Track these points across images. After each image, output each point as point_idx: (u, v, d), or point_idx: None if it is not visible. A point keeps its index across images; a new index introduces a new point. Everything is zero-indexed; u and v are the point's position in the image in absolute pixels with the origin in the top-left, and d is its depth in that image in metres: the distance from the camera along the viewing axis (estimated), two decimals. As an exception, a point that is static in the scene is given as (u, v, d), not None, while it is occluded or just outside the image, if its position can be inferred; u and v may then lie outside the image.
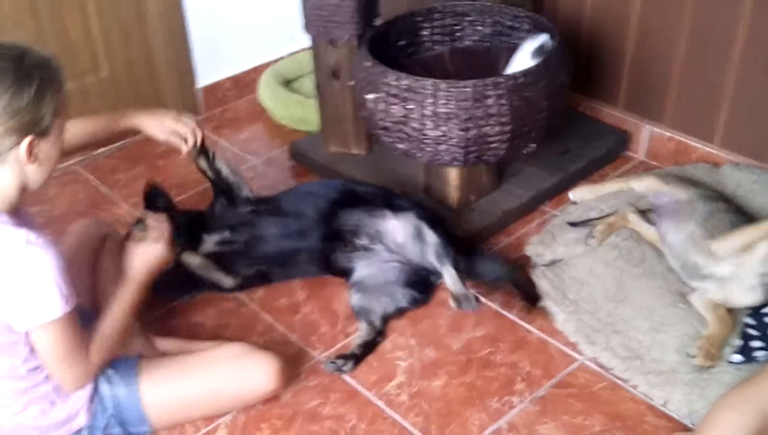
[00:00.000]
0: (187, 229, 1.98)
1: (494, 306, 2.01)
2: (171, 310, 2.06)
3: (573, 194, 2.29)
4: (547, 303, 1.97)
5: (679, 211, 1.98)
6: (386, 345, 1.92)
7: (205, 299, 2.08)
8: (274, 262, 2.07)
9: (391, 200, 2.07)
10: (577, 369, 1.83)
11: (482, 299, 2.02)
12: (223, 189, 2.07)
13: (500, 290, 2.02)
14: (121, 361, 1.65)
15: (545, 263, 2.07)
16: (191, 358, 1.72)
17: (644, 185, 2.16)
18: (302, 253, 2.06)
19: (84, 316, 1.61)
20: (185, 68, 2.79)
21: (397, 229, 2.02)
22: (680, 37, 2.27)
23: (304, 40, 2.44)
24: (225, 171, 2.06)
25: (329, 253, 2.05)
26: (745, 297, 1.79)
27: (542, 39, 2.08)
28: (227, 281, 2.05)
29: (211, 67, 2.85)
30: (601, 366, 1.81)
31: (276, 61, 2.94)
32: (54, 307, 1.45)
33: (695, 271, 1.87)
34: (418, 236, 2.00)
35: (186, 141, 1.95)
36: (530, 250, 2.13)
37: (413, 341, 1.93)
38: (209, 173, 2.05)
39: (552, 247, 2.11)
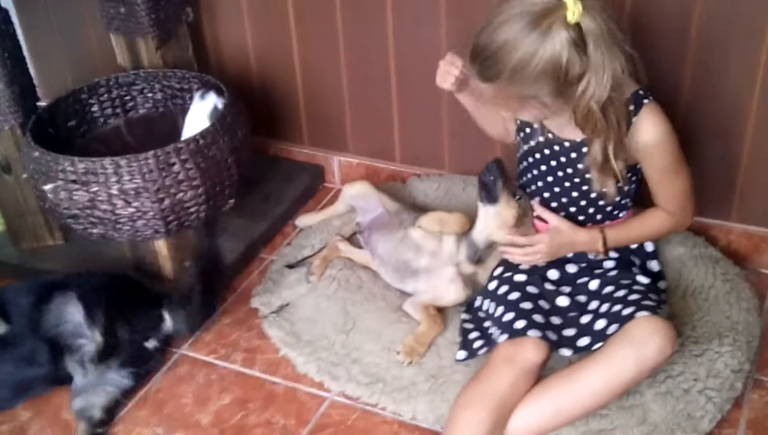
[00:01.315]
0: None
1: (235, 367, 1.88)
2: None
3: (299, 221, 2.29)
4: (285, 350, 1.88)
5: (388, 223, 2.01)
6: (131, 442, 1.72)
7: None
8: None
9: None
10: (328, 407, 1.76)
11: (222, 363, 1.88)
12: None
13: (240, 348, 1.92)
14: None
15: (274, 311, 1.99)
16: None
17: (356, 189, 2.15)
18: (33, 380, 1.80)
19: None
20: None
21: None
22: (341, 70, 2.31)
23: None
24: None
25: (59, 366, 1.79)
26: (449, 291, 1.85)
27: (212, 99, 2.00)
28: None
29: None
30: (349, 398, 1.77)
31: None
32: None
33: (406, 269, 1.90)
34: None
35: None
36: (256, 301, 2.03)
37: (160, 430, 1.74)
38: None
39: (276, 292, 2.02)
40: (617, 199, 1.67)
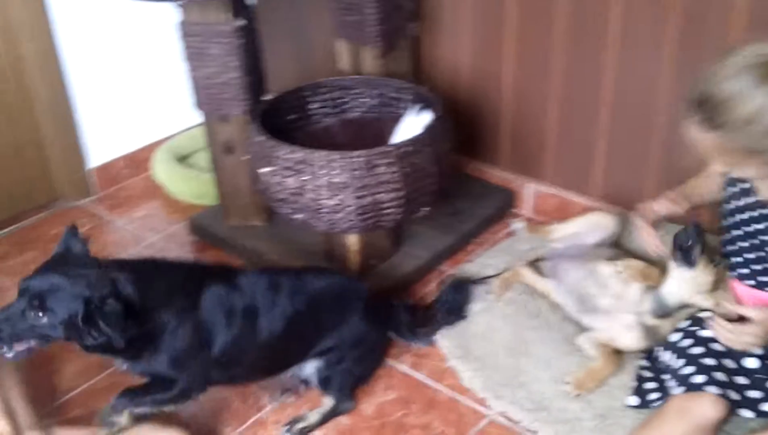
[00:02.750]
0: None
1: (403, 368, 1.93)
2: (72, 399, 1.89)
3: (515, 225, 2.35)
4: (453, 361, 1.91)
5: (584, 254, 1.98)
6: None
7: (107, 384, 1.91)
8: None
9: None
10: (487, 425, 1.77)
11: (391, 361, 1.95)
12: None
13: (410, 352, 1.97)
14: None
15: (447, 322, 2.02)
16: None
17: (602, 219, 2.12)
18: None
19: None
20: (75, 149, 2.63)
21: None
22: (550, 98, 2.32)
23: (196, 116, 2.35)
24: None
25: None
26: (627, 336, 1.80)
27: (427, 115, 2.07)
28: None
29: (103, 146, 2.70)
30: (510, 419, 1.77)
31: (169, 137, 2.83)
32: None
33: (589, 302, 1.87)
34: None
35: None
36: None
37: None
38: None
39: (452, 305, 2.06)
40: None
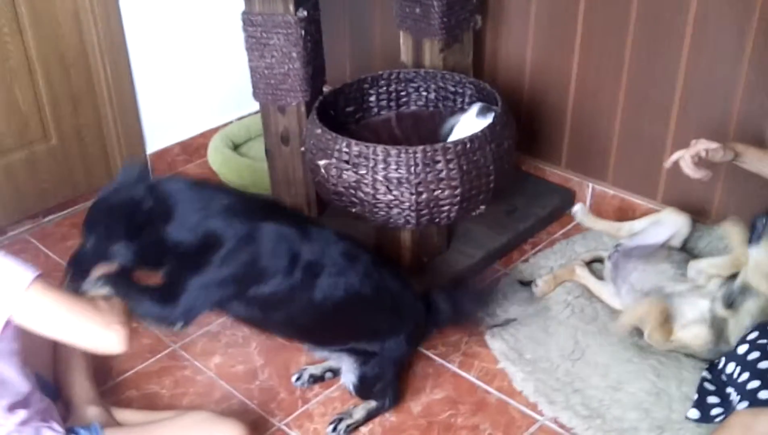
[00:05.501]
0: None
1: (452, 367, 1.91)
2: (126, 380, 1.91)
3: (578, 210, 2.27)
4: (505, 363, 1.88)
5: (655, 254, 1.95)
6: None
7: (159, 368, 1.94)
8: None
9: None
10: (538, 430, 1.74)
11: (439, 360, 1.92)
12: None
13: (460, 351, 1.94)
14: (83, 431, 1.53)
15: (499, 323, 1.99)
16: (155, 427, 1.61)
17: (679, 218, 2.07)
18: None
19: (47, 386, 1.51)
20: (134, 134, 2.67)
21: None
22: (618, 98, 2.26)
23: (251, 105, 2.35)
24: None
25: None
26: (692, 312, 1.76)
27: (486, 117, 2.03)
28: None
29: (159, 133, 2.73)
30: (561, 426, 1.73)
31: (224, 125, 2.85)
32: (22, 276, 1.33)
33: (657, 293, 1.84)
34: None
35: None
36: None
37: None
38: None
39: (504, 306, 2.03)
40: None
